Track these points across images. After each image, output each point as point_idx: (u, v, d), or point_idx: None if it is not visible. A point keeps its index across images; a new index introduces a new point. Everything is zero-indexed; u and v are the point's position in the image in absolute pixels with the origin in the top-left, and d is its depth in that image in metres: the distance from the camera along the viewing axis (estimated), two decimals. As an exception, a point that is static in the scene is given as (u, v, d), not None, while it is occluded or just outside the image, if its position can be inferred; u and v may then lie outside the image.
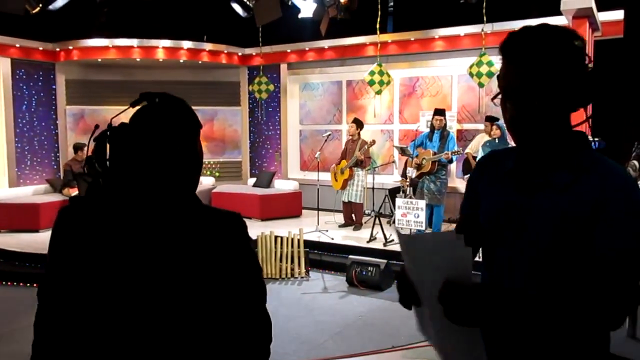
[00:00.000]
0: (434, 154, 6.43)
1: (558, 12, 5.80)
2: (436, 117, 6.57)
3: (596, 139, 3.87)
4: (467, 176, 7.06)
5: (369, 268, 5.50)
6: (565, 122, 1.16)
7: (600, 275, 1.05)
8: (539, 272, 1.12)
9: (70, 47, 8.70)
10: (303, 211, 8.43)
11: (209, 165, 9.71)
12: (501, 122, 6.54)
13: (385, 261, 5.53)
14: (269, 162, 9.81)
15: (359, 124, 7.31)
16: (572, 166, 1.11)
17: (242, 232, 1.24)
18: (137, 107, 1.19)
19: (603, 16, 6.34)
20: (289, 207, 8.35)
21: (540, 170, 1.15)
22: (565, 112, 1.14)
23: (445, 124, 6.63)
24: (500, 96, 1.16)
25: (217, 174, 9.70)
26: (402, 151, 6.95)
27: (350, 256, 5.80)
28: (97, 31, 8.43)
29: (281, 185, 8.90)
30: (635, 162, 3.38)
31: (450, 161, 6.58)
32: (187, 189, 1.21)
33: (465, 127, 7.92)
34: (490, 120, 6.74)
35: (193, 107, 1.23)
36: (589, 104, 1.15)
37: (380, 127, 8.61)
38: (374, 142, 7.18)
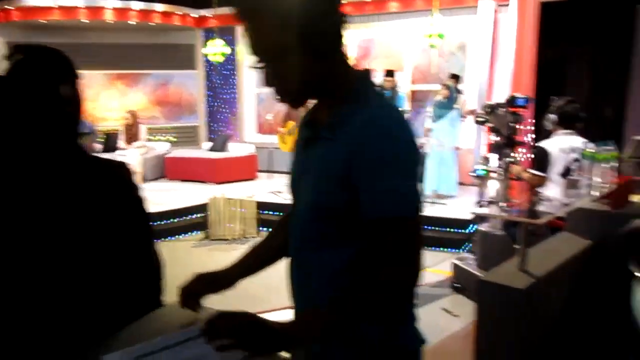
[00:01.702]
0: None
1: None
2: (387, 78, 6.61)
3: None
4: None
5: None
6: (330, 71, 1.05)
7: (372, 236, 1.00)
8: (308, 231, 1.11)
9: (10, 7, 8.29)
10: (259, 174, 8.45)
11: (163, 130, 9.56)
12: (451, 82, 6.59)
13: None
14: (227, 126, 9.72)
15: None
16: (335, 120, 1.04)
17: (127, 179, 1.28)
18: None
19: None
20: (244, 170, 8.32)
21: (314, 127, 1.11)
22: (322, 58, 1.02)
23: (396, 85, 6.68)
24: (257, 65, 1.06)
25: (173, 139, 9.57)
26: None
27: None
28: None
29: (236, 149, 8.85)
30: (552, 116, 3.48)
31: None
32: (67, 138, 1.22)
33: (419, 88, 8.02)
34: (452, 77, 6.56)
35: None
36: (339, 44, 1.05)
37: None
38: None
